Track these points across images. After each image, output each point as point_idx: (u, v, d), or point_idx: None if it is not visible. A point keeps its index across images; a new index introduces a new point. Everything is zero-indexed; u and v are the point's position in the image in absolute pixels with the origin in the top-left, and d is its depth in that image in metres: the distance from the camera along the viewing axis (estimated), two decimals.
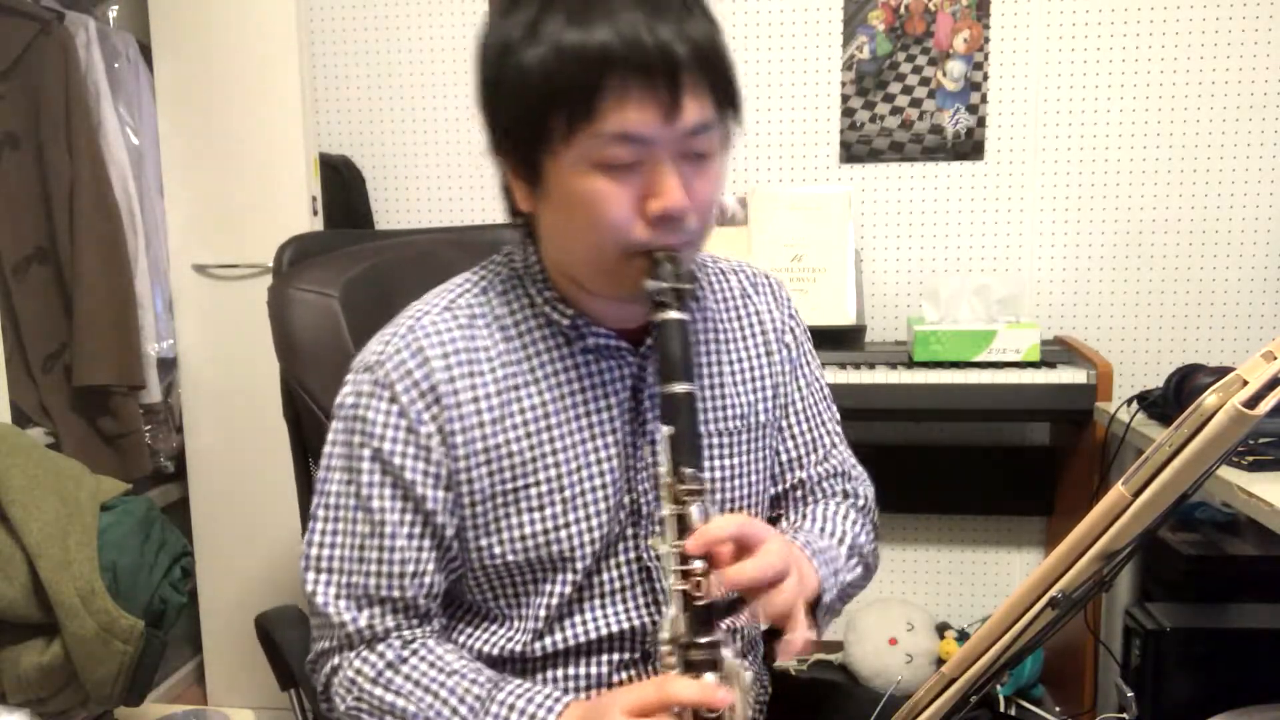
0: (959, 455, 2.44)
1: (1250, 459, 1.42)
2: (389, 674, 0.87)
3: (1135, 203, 2.35)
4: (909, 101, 2.37)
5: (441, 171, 2.54)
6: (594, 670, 0.94)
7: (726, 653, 0.77)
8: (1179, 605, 1.76)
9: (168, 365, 2.26)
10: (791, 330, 1.05)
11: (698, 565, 0.77)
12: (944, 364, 2.07)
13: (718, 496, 0.97)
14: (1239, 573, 1.85)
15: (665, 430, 0.80)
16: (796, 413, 1.05)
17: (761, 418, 1.01)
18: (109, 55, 2.10)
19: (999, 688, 2.20)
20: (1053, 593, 0.66)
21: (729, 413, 0.98)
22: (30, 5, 1.94)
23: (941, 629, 2.37)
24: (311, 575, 0.90)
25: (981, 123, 2.36)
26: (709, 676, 0.76)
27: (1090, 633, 2.00)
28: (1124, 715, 1.75)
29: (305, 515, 1.19)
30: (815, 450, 1.05)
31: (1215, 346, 2.36)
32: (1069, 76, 2.33)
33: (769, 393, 1.02)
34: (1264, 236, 2.32)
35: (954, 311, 2.17)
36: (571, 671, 0.94)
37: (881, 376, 2.03)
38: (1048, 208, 2.38)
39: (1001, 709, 2.19)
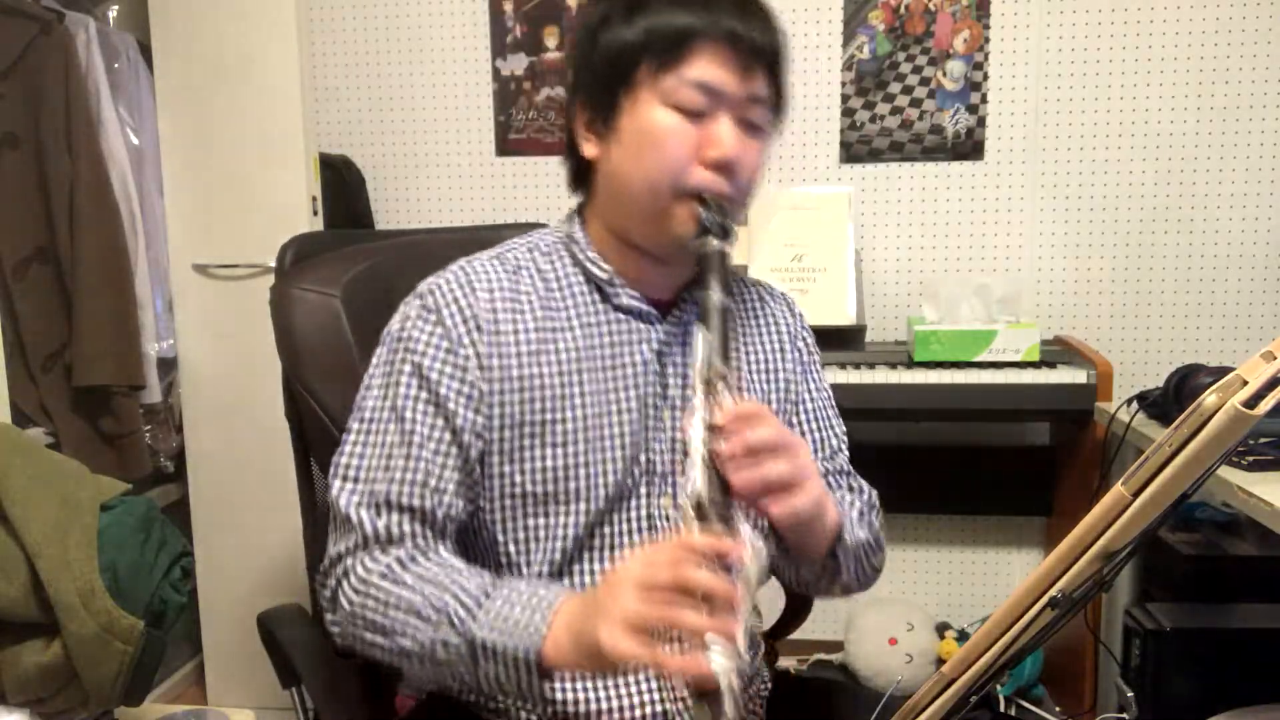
0: (959, 455, 2.44)
1: (1250, 459, 1.42)
2: (398, 569, 0.89)
3: (1135, 203, 2.35)
4: (909, 101, 2.37)
5: (441, 171, 2.54)
6: None
7: (743, 526, 0.82)
8: (1179, 605, 1.76)
9: (168, 365, 2.26)
10: (804, 339, 1.13)
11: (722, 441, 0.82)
12: (944, 364, 2.07)
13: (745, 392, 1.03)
14: (1239, 573, 1.85)
15: (703, 332, 0.87)
16: (806, 412, 1.10)
17: (774, 409, 1.05)
18: (109, 55, 2.10)
19: (999, 688, 2.20)
20: (1053, 593, 0.66)
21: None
22: (30, 5, 1.94)
23: (941, 629, 2.37)
24: (338, 483, 0.94)
25: (981, 123, 2.36)
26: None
27: (1090, 633, 2.00)
28: (1124, 715, 1.75)
29: (306, 515, 1.19)
30: (823, 448, 1.10)
31: (1215, 346, 2.36)
32: (1069, 76, 2.33)
33: (781, 386, 1.08)
34: (1264, 237, 2.32)
35: (954, 311, 2.17)
36: None
37: (881, 376, 2.03)
38: (1048, 208, 2.38)
39: (1001, 709, 2.19)
